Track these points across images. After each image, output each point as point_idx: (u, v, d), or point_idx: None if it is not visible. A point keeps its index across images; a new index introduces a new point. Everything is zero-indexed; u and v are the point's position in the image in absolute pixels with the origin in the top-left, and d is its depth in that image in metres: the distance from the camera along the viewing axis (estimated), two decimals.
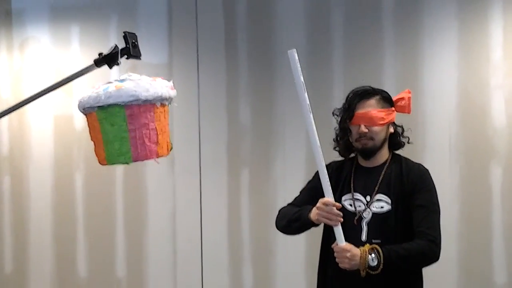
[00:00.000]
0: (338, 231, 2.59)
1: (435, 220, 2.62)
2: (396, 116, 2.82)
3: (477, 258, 4.16)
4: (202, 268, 4.69)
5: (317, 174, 2.84)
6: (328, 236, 2.77)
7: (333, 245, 2.61)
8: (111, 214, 4.86)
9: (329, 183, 2.58)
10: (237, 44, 4.65)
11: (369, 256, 2.51)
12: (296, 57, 2.51)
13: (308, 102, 2.52)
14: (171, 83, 2.39)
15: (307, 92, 2.57)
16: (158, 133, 2.28)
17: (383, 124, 2.69)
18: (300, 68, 2.51)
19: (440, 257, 4.11)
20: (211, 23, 4.68)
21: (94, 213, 4.90)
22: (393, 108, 2.74)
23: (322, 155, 2.55)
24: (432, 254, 2.56)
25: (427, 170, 2.75)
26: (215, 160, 4.64)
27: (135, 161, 2.26)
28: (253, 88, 4.63)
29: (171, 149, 2.41)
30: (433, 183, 2.72)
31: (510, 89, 4.09)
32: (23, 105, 2.51)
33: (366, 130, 2.68)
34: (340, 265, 2.57)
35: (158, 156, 2.29)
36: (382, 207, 2.65)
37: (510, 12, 4.11)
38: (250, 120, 4.63)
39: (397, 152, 2.85)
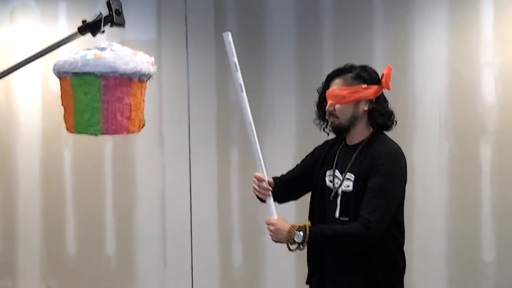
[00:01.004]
0: (269, 204, 2.68)
1: (379, 205, 2.52)
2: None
3: (466, 236, 4.18)
4: (192, 246, 4.69)
5: (315, 149, 2.91)
6: (312, 214, 2.80)
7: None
8: (100, 192, 4.84)
9: (261, 158, 2.66)
10: (226, 21, 4.61)
11: (297, 232, 2.52)
12: (230, 39, 2.54)
13: (240, 82, 2.55)
14: (152, 59, 2.33)
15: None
16: (132, 109, 2.24)
17: (346, 102, 2.65)
18: (234, 49, 2.53)
19: (430, 235, 4.20)
20: (200, 1, 4.64)
21: (83, 191, 4.88)
22: (364, 85, 2.67)
23: (255, 132, 2.60)
24: (359, 238, 2.49)
25: (397, 153, 2.66)
26: (205, 138, 4.62)
27: (104, 134, 2.21)
28: (243, 65, 4.56)
29: (143, 126, 2.36)
30: (397, 169, 2.63)
31: (500, 67, 4.08)
32: (7, 74, 2.44)
33: (331, 108, 2.70)
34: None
35: (128, 132, 2.25)
36: (348, 186, 2.65)
37: None
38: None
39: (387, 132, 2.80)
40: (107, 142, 4.76)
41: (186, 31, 4.66)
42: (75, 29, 2.38)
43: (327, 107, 2.72)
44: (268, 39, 4.54)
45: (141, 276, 4.82)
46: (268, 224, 2.64)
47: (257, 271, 4.61)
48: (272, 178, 2.80)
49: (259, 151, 2.64)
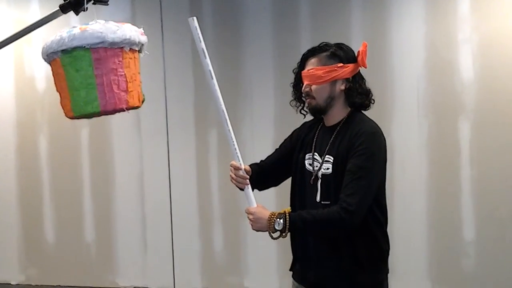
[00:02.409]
0: (248, 193, 2.59)
1: (359, 186, 2.45)
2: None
3: (446, 215, 4.19)
4: (172, 230, 4.66)
5: (293, 132, 2.84)
6: (293, 198, 2.75)
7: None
8: (77, 178, 4.79)
9: (236, 145, 2.55)
10: (202, 2, 4.55)
11: (277, 220, 2.46)
12: (196, 24, 2.42)
13: (210, 69, 2.46)
14: (141, 29, 2.26)
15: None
16: (128, 80, 2.17)
17: (322, 82, 2.59)
18: (200, 35, 2.42)
19: (410, 214, 4.20)
20: None
21: (60, 178, 4.82)
22: (340, 64, 2.59)
23: (228, 118, 2.51)
24: (340, 222, 2.42)
25: (375, 132, 2.57)
26: (183, 121, 4.57)
27: (104, 110, 2.13)
28: (220, 47, 4.56)
29: (144, 100, 2.29)
30: (376, 149, 2.55)
31: (477, 43, 4.07)
32: None
33: (307, 89, 2.63)
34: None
35: (128, 105, 2.17)
36: (327, 169, 2.58)
37: None
38: (217, 80, 4.55)
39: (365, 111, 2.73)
40: (84, 127, 4.70)
41: (161, 11, 4.59)
42: (47, 11, 2.32)
43: (303, 88, 2.66)
44: (244, 21, 4.49)
45: (121, 262, 4.78)
46: (247, 213, 2.57)
47: (238, 256, 4.59)
48: (251, 165, 2.74)
49: (234, 139, 2.54)
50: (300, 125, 2.85)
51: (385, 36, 4.24)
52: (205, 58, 2.46)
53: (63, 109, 2.19)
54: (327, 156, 2.60)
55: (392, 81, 4.23)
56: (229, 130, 2.52)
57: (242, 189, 2.67)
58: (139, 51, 2.26)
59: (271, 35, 4.44)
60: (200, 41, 2.43)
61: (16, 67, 4.81)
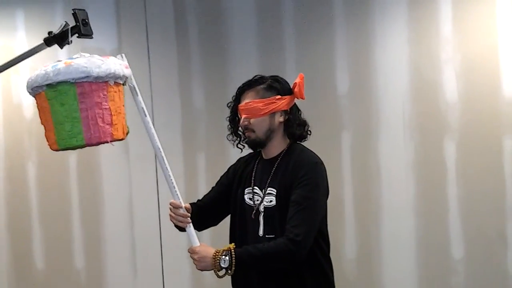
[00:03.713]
0: (190, 232, 2.56)
1: (304, 217, 2.44)
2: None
3: (434, 233, 4.19)
4: (162, 256, 4.65)
5: (229, 168, 2.83)
6: (233, 235, 2.71)
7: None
8: (66, 204, 4.78)
9: (174, 183, 2.51)
10: (187, 27, 4.59)
11: (222, 257, 2.42)
12: (125, 61, 2.35)
13: (143, 106, 2.44)
14: (125, 62, 2.29)
15: None
16: (113, 113, 2.19)
17: (262, 115, 2.57)
18: (132, 76, 2.37)
19: (398, 234, 4.21)
20: (160, 7, 4.61)
21: (49, 204, 4.81)
22: (278, 96, 2.59)
23: (165, 157, 2.49)
24: (287, 254, 2.40)
25: (317, 163, 2.58)
26: (170, 146, 4.57)
27: (88, 143, 2.15)
28: (206, 72, 4.59)
29: (128, 132, 2.32)
30: (320, 178, 2.55)
31: (460, 63, 4.11)
32: None
33: (246, 123, 2.61)
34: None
35: (112, 138, 2.20)
36: (271, 201, 2.56)
37: None
38: (204, 105, 4.59)
39: (302, 142, 2.73)
40: (72, 154, 4.69)
41: (147, 39, 4.62)
42: (33, 37, 2.35)
43: (241, 121, 2.63)
44: (229, 44, 4.52)
45: None
46: (191, 253, 2.53)
47: (228, 280, 4.57)
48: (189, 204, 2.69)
49: (172, 177, 2.51)
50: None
51: (369, 56, 4.28)
52: (137, 95, 2.41)
53: (48, 141, 2.22)
54: (269, 188, 2.58)
55: (377, 101, 4.26)
56: (166, 167, 2.49)
57: (182, 229, 2.62)
58: (124, 84, 2.28)
59: (256, 57, 4.47)
60: (132, 79, 2.36)
61: (4, 94, 4.82)
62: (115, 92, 2.21)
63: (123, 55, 2.36)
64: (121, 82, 2.26)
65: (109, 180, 4.73)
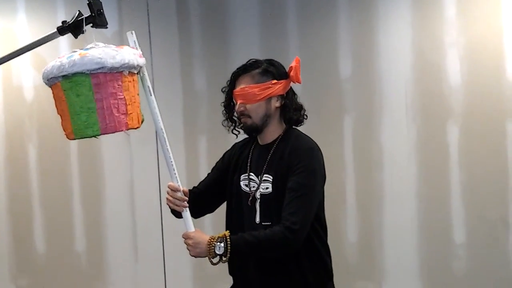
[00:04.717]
0: (186, 217, 2.52)
1: (301, 204, 2.41)
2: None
3: (436, 217, 4.19)
4: (163, 239, 4.64)
5: (224, 154, 2.80)
6: (230, 222, 2.69)
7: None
8: (67, 187, 4.77)
9: (174, 166, 2.48)
10: (189, 11, 4.56)
11: (217, 244, 2.39)
12: (135, 38, 2.37)
13: (149, 84, 2.41)
14: (139, 51, 2.31)
15: None
16: (127, 103, 2.21)
17: (258, 100, 2.53)
18: (139, 49, 2.36)
19: (400, 218, 4.21)
20: None
21: (50, 187, 4.80)
22: (274, 81, 2.55)
23: (166, 138, 2.46)
24: (283, 241, 2.37)
25: (313, 148, 2.55)
26: (172, 129, 4.56)
27: (104, 133, 2.18)
28: (207, 55, 4.56)
29: (143, 121, 2.33)
30: (316, 164, 2.51)
31: (464, 46, 4.09)
32: None
33: (242, 108, 2.57)
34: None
35: (128, 127, 2.23)
36: (267, 188, 2.54)
37: None
38: (205, 88, 4.57)
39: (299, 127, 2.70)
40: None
41: (148, 22, 4.60)
42: (34, 19, 2.33)
43: (236, 107, 2.60)
44: (231, 28, 4.50)
45: (112, 272, 4.76)
46: (185, 238, 2.49)
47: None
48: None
49: (172, 159, 2.48)
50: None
51: (373, 40, 4.25)
52: (144, 73, 2.39)
53: (64, 131, 2.26)
54: (265, 175, 2.55)
55: (380, 85, 4.24)
56: (167, 149, 2.46)
57: (177, 215, 2.58)
58: (138, 73, 2.30)
59: (259, 43, 4.45)
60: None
61: (4, 77, 4.79)
62: (130, 82, 2.23)
63: (132, 32, 2.37)
64: (135, 72, 2.28)
65: (110, 163, 4.72)
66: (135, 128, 2.27)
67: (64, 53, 2.19)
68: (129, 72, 2.22)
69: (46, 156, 4.79)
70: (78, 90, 2.14)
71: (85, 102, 2.15)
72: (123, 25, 4.62)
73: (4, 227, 4.88)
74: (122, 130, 2.21)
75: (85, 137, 2.22)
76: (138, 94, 2.30)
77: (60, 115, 2.26)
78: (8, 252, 4.90)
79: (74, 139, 2.26)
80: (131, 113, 2.23)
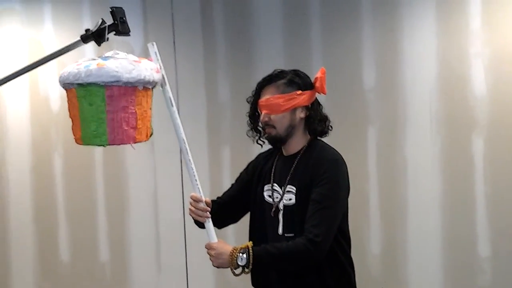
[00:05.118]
0: (208, 227, 2.51)
1: (324, 216, 2.39)
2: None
3: (461, 230, 4.14)
4: (186, 249, 4.65)
5: (249, 165, 2.80)
6: (253, 233, 2.68)
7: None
8: (92, 197, 4.80)
9: (196, 176, 2.47)
10: (213, 21, 4.58)
11: (240, 255, 2.39)
12: (156, 49, 2.35)
13: (170, 95, 2.40)
14: (156, 66, 2.29)
15: None
16: (138, 118, 2.22)
17: (283, 111, 2.52)
18: (160, 60, 2.35)
19: (424, 230, 4.17)
20: (186, 1, 4.61)
21: (75, 196, 4.84)
22: (299, 91, 2.54)
23: (188, 148, 2.46)
24: (305, 254, 2.36)
25: (338, 160, 2.53)
26: (195, 139, 4.58)
27: (111, 144, 2.19)
28: (231, 65, 4.58)
29: (151, 134, 2.34)
30: (341, 176, 2.50)
31: (489, 57, 4.05)
32: (5, 81, 2.42)
33: (267, 119, 2.56)
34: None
35: (135, 141, 2.23)
36: (290, 199, 2.52)
37: None
38: (229, 98, 4.58)
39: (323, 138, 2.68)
40: (97, 147, 4.71)
41: (173, 33, 4.62)
42: (61, 30, 2.35)
43: (261, 117, 2.59)
44: (255, 38, 4.50)
45: (135, 282, 4.78)
46: (208, 249, 2.49)
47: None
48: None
49: (194, 170, 2.47)
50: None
51: (397, 50, 4.23)
52: (165, 84, 2.38)
53: (74, 135, 2.26)
54: (288, 186, 2.53)
55: (404, 95, 4.22)
56: (189, 159, 2.46)
57: (200, 225, 2.57)
58: (153, 88, 2.30)
59: (283, 54, 4.45)
60: (161, 67, 2.35)
61: (31, 87, 4.85)
62: (143, 96, 2.24)
63: (154, 43, 2.36)
64: (150, 87, 2.28)
65: (134, 173, 4.74)
66: (142, 141, 2.27)
67: (83, 60, 2.19)
68: (143, 87, 2.22)
69: (72, 166, 4.83)
70: (92, 99, 2.15)
71: (96, 112, 2.15)
72: (148, 35, 4.65)
73: (29, 236, 4.92)
74: (129, 143, 2.21)
75: (92, 145, 2.23)
76: (150, 108, 2.31)
77: (72, 119, 2.26)
78: (33, 260, 4.94)
79: (82, 144, 2.26)
80: (140, 128, 2.24)
